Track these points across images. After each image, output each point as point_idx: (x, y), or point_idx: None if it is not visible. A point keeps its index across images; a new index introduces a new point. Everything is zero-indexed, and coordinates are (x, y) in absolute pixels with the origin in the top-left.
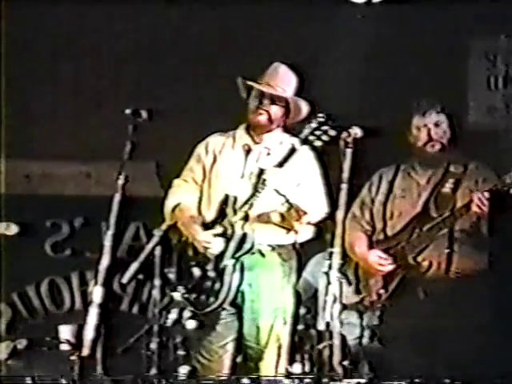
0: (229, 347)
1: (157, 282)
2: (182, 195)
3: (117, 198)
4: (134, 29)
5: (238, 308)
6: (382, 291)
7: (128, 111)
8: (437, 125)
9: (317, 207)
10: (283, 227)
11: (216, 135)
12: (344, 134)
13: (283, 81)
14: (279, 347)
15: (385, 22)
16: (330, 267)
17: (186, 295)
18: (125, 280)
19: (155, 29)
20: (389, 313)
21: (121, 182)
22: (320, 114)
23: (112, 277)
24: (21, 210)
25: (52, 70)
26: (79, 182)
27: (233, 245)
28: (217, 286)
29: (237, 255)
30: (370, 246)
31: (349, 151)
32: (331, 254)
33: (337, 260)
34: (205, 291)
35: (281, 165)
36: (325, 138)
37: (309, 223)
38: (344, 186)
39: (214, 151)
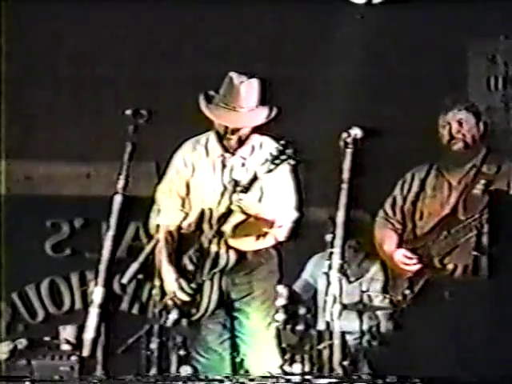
0: (226, 345)
1: (157, 282)
2: (164, 214)
3: (117, 198)
4: (135, 30)
5: (227, 310)
6: (407, 291)
7: (128, 112)
8: (460, 123)
9: (285, 211)
10: (257, 235)
11: (189, 144)
12: (344, 135)
13: (247, 98)
14: (267, 345)
15: (385, 22)
16: (330, 267)
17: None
18: (125, 280)
19: (155, 30)
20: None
21: (121, 182)
22: (281, 142)
23: (112, 277)
24: (21, 209)
25: (52, 70)
26: (79, 182)
27: (208, 262)
28: (197, 298)
29: (213, 271)
30: (399, 245)
31: (349, 151)
32: (331, 254)
33: (337, 260)
34: (187, 301)
35: (246, 190)
36: (285, 166)
37: (280, 227)
38: (344, 186)
39: (192, 163)
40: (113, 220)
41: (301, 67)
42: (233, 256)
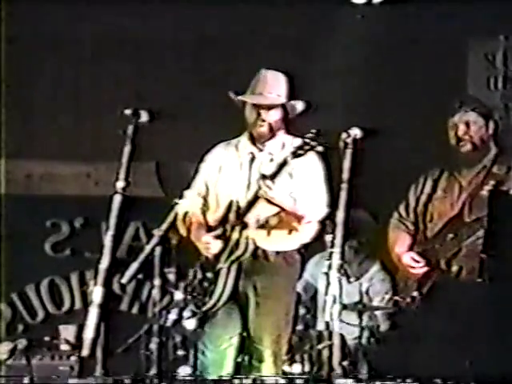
0: (233, 341)
1: (156, 282)
2: (190, 204)
3: (117, 198)
4: (135, 29)
5: (242, 309)
6: (415, 293)
7: (128, 112)
8: (467, 124)
9: (316, 207)
10: (284, 230)
11: (221, 146)
12: (344, 135)
13: (274, 87)
14: (280, 348)
15: (385, 22)
16: (329, 267)
17: (187, 294)
18: (125, 280)
19: (156, 29)
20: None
21: (121, 182)
22: (312, 130)
23: (112, 277)
24: (21, 209)
25: (52, 70)
26: (79, 182)
27: (228, 248)
28: (213, 287)
29: (231, 258)
30: (411, 247)
31: (349, 152)
32: (331, 254)
33: (337, 260)
34: (203, 291)
35: (273, 177)
36: (312, 153)
37: (309, 222)
38: (344, 186)
39: (219, 163)
40: (112, 220)
41: (301, 67)
42: (251, 245)
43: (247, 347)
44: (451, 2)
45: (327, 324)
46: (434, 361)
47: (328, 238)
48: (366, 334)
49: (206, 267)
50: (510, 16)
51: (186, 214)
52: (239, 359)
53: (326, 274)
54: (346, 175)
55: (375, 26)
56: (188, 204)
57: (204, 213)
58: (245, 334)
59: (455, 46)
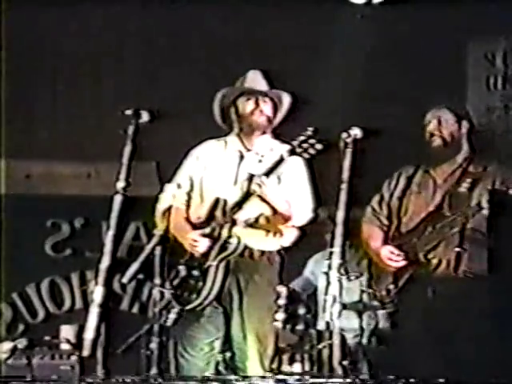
0: (215, 345)
1: (157, 281)
2: (174, 199)
3: (117, 198)
4: (135, 30)
5: (225, 308)
6: (391, 287)
7: (129, 112)
8: (439, 121)
9: (301, 212)
10: (269, 230)
11: (208, 142)
12: (344, 135)
13: (264, 83)
14: (265, 348)
15: (385, 22)
16: (329, 267)
17: (172, 292)
18: (125, 280)
19: (156, 29)
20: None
21: (121, 182)
22: (309, 128)
23: (112, 276)
24: (21, 209)
25: (52, 70)
26: (79, 181)
27: (217, 246)
28: (200, 284)
29: (220, 256)
30: (385, 242)
31: (349, 151)
32: (331, 253)
33: (336, 260)
34: (189, 289)
35: (268, 174)
36: (311, 151)
37: (293, 226)
38: (344, 186)
39: (205, 158)
40: (113, 220)
41: (300, 67)
42: (242, 244)
43: (230, 347)
44: (451, 2)
45: (327, 323)
46: (432, 360)
47: (328, 237)
48: (366, 333)
49: (192, 265)
50: (510, 16)
51: (168, 208)
52: (224, 359)
53: (326, 273)
54: (345, 175)
55: (375, 25)
56: (169, 198)
57: (188, 209)
58: (230, 333)
59: (455, 46)
